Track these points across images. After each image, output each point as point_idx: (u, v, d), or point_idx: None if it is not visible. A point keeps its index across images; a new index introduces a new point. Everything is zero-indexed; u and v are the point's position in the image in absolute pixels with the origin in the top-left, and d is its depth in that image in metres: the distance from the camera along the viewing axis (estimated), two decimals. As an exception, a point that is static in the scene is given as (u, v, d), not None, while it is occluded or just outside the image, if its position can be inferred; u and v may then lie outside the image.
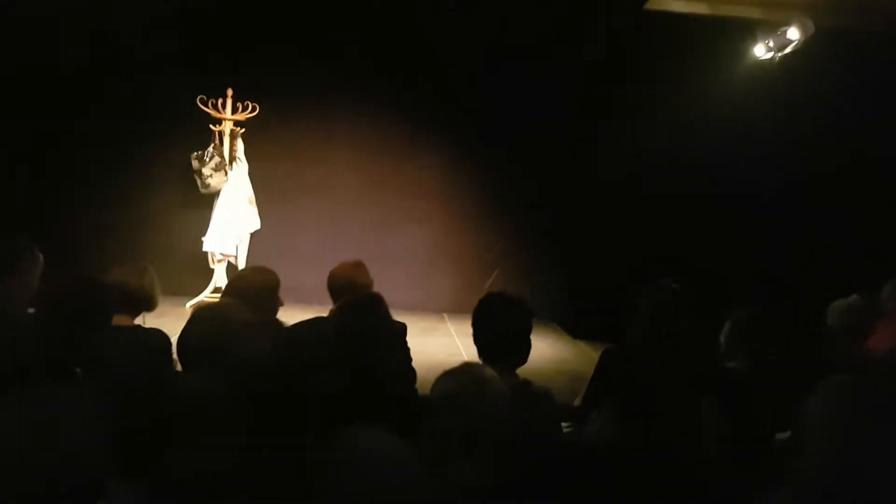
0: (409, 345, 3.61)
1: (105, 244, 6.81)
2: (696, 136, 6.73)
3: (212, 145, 6.92)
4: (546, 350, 6.44)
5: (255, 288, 3.29)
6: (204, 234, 6.92)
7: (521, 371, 2.70)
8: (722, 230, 6.90)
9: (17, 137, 6.87)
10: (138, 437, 1.77)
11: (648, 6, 6.41)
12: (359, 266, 3.91)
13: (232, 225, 6.92)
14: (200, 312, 2.79)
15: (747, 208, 6.98)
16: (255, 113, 7.06)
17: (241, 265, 6.95)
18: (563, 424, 2.95)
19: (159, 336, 3.12)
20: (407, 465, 1.65)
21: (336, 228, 7.69)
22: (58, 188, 7.13)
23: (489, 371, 2.59)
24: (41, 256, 3.19)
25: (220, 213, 6.92)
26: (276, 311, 3.29)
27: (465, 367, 2.62)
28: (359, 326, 2.63)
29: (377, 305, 2.84)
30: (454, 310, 7.31)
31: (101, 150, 7.22)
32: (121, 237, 7.03)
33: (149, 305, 3.33)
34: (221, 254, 6.96)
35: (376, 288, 3.70)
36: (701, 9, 6.35)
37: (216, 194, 6.95)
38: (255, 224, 7.09)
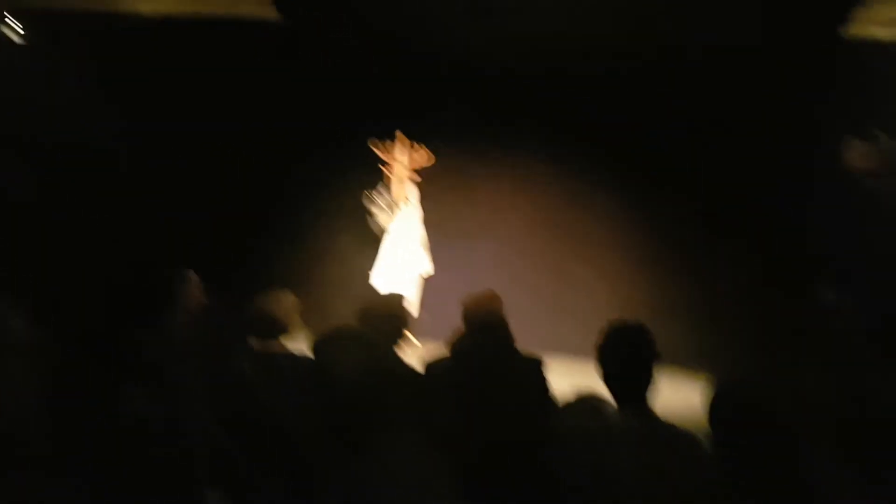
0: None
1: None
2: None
3: (380, 184, 7.16)
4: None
5: (381, 315, 3.45)
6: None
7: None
8: None
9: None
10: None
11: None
12: (493, 298, 3.80)
13: (401, 266, 7.05)
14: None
15: None
16: (430, 162, 7.25)
17: (414, 308, 7.05)
18: None
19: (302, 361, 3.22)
20: None
21: (509, 272, 7.61)
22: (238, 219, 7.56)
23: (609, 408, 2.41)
24: (194, 276, 3.39)
25: (389, 253, 7.10)
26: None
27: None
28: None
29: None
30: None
31: (278, 185, 7.67)
32: (293, 276, 7.27)
33: (281, 329, 3.53)
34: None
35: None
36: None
37: (384, 234, 7.14)
38: (428, 267, 7.17)
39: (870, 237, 4.82)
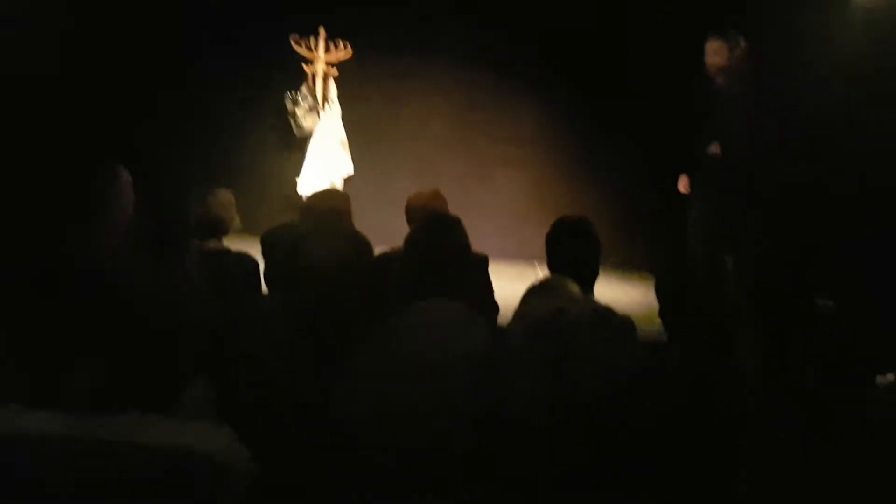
0: (497, 289, 3.50)
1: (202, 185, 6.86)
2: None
3: (304, 86, 6.88)
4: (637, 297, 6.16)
5: (324, 210, 3.31)
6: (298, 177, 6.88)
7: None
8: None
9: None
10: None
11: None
12: (437, 196, 3.82)
13: (324, 169, 6.82)
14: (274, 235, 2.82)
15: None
16: (348, 56, 6.97)
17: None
18: None
19: (247, 260, 3.14)
20: None
21: (430, 174, 7.55)
22: (157, 128, 7.16)
23: (575, 288, 2.44)
24: (126, 174, 3.07)
25: (314, 156, 6.83)
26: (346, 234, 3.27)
27: (556, 281, 2.48)
28: (433, 245, 2.46)
29: (456, 226, 2.67)
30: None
31: (198, 91, 7.19)
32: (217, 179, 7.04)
33: (224, 228, 3.43)
34: (314, 197, 6.93)
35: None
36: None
37: (308, 137, 6.88)
38: (349, 169, 6.97)
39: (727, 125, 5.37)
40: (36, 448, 1.24)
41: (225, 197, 3.49)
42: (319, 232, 2.96)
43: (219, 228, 3.42)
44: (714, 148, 5.39)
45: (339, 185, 6.92)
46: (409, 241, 2.49)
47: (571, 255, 2.68)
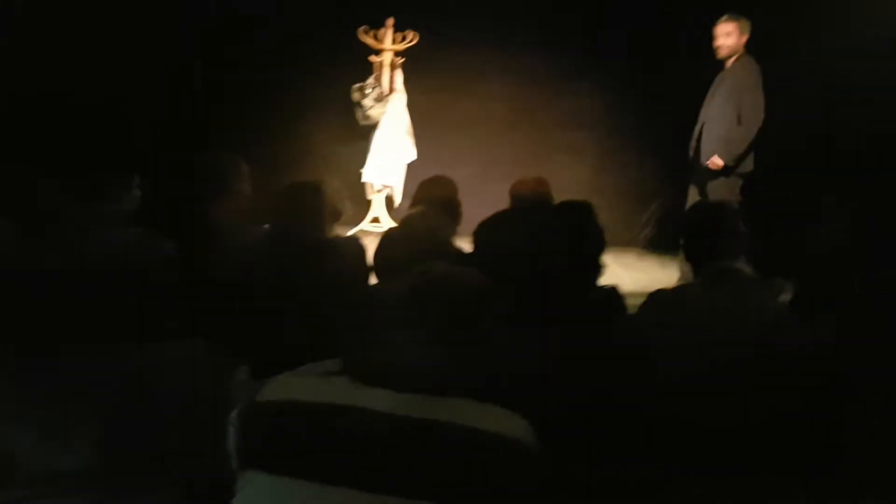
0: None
1: (268, 178, 7.07)
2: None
3: (372, 76, 7.06)
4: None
5: (441, 196, 3.53)
6: (362, 166, 7.11)
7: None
8: None
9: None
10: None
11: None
12: (542, 182, 4.09)
13: (392, 155, 7.04)
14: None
15: None
16: (414, 42, 7.14)
17: (399, 196, 7.16)
18: None
19: (357, 244, 3.25)
20: None
21: (489, 158, 7.71)
22: (222, 117, 7.36)
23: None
24: (248, 168, 3.34)
25: (380, 144, 7.04)
26: (461, 217, 3.51)
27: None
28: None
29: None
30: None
31: (262, 82, 7.33)
32: (281, 170, 7.24)
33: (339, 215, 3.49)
34: (382, 184, 7.15)
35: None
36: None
37: (374, 126, 7.09)
38: (413, 154, 7.18)
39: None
40: (368, 422, 1.36)
41: (337, 184, 3.61)
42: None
43: (336, 216, 3.43)
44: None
45: (404, 171, 7.13)
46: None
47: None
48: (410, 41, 7.15)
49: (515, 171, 7.38)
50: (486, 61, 7.63)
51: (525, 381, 1.85)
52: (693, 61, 6.56)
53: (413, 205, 3.61)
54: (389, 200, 7.26)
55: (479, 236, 2.43)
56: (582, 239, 2.60)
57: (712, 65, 5.73)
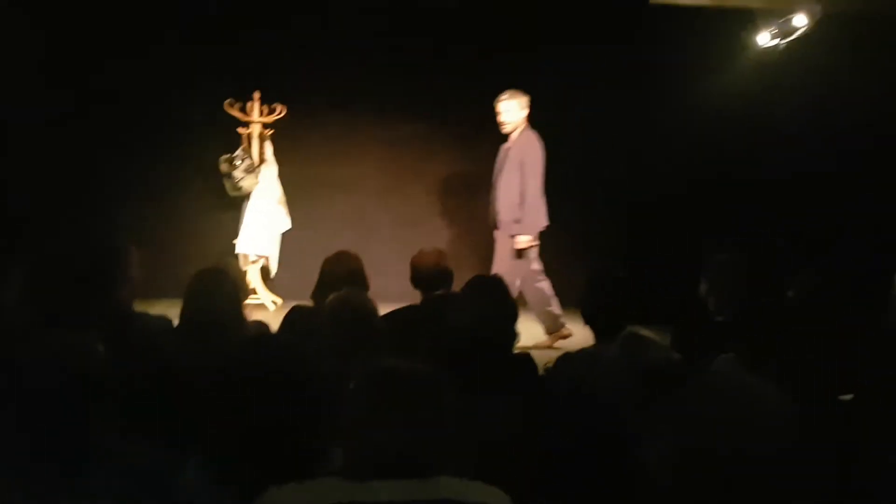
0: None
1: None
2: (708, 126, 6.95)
3: (241, 148, 7.14)
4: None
5: (350, 271, 3.62)
6: (235, 237, 7.13)
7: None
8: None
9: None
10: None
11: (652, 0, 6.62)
12: (442, 254, 4.23)
13: (265, 226, 7.11)
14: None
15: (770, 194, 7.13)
16: (282, 115, 7.26)
17: (274, 265, 7.21)
18: None
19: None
20: None
21: (365, 225, 7.84)
22: (86, 188, 7.32)
23: None
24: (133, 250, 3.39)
25: (253, 215, 7.10)
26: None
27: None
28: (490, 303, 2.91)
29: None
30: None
31: (128, 152, 7.37)
32: (149, 240, 7.13)
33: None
34: (256, 255, 7.19)
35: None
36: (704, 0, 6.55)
37: (246, 197, 7.14)
38: (286, 224, 7.26)
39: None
40: None
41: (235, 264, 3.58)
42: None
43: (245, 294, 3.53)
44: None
45: (278, 241, 7.20)
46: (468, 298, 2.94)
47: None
48: (279, 114, 7.28)
49: (395, 234, 7.62)
50: (356, 129, 7.82)
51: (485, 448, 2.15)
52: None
53: (321, 282, 3.64)
54: (265, 271, 7.30)
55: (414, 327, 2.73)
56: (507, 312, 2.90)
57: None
